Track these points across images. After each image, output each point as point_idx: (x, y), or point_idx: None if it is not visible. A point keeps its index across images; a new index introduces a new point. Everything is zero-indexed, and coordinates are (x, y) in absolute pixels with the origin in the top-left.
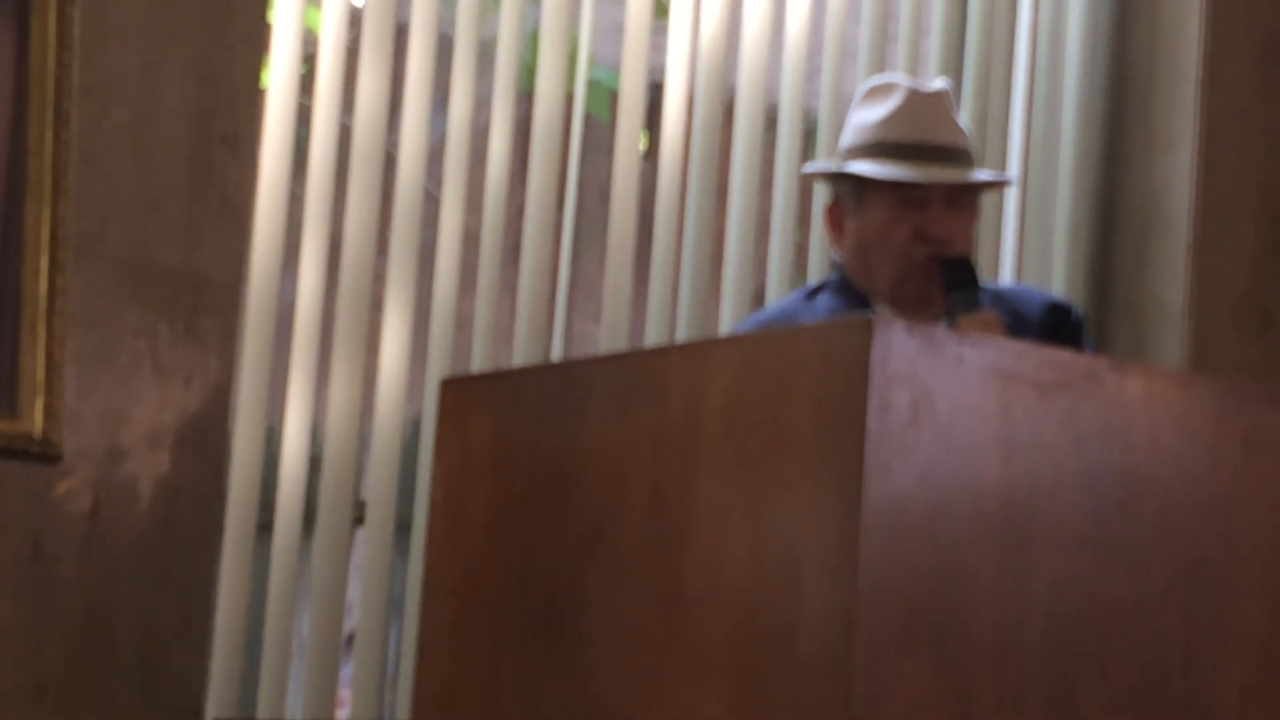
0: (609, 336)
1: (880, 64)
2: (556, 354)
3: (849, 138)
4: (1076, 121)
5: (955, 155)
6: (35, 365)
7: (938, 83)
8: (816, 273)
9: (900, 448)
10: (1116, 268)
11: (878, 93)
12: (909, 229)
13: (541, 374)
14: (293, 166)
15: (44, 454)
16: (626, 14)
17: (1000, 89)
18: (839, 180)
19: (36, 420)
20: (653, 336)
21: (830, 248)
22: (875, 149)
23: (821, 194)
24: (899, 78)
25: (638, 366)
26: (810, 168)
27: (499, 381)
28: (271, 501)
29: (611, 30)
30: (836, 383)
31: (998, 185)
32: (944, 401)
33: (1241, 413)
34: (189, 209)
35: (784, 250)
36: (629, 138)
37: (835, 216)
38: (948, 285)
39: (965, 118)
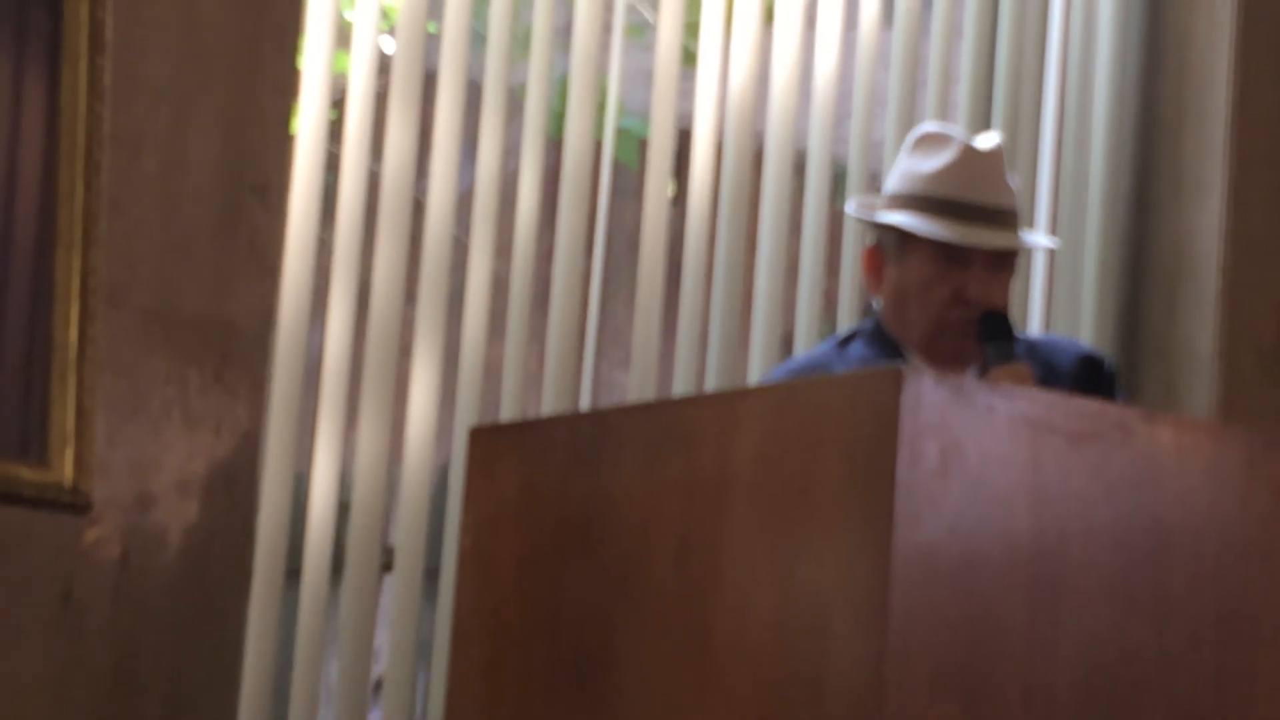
0: (637, 384)
1: (909, 111)
2: (585, 401)
3: (897, 184)
4: (1105, 168)
5: (1003, 218)
6: (65, 414)
7: (993, 139)
8: (846, 319)
9: (930, 498)
10: (1146, 315)
11: (931, 142)
12: (949, 288)
13: (570, 423)
14: (322, 214)
15: (74, 503)
16: (655, 61)
17: (1029, 135)
18: (882, 226)
19: (67, 469)
20: (681, 384)
21: (866, 292)
22: (923, 203)
23: (852, 241)
24: (954, 130)
25: (667, 416)
26: (855, 211)
27: (528, 430)
28: (300, 548)
29: (640, 77)
30: (866, 432)
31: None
32: (974, 451)
33: (1273, 462)
34: (218, 257)
35: (813, 297)
36: (658, 185)
37: (874, 261)
38: (983, 336)
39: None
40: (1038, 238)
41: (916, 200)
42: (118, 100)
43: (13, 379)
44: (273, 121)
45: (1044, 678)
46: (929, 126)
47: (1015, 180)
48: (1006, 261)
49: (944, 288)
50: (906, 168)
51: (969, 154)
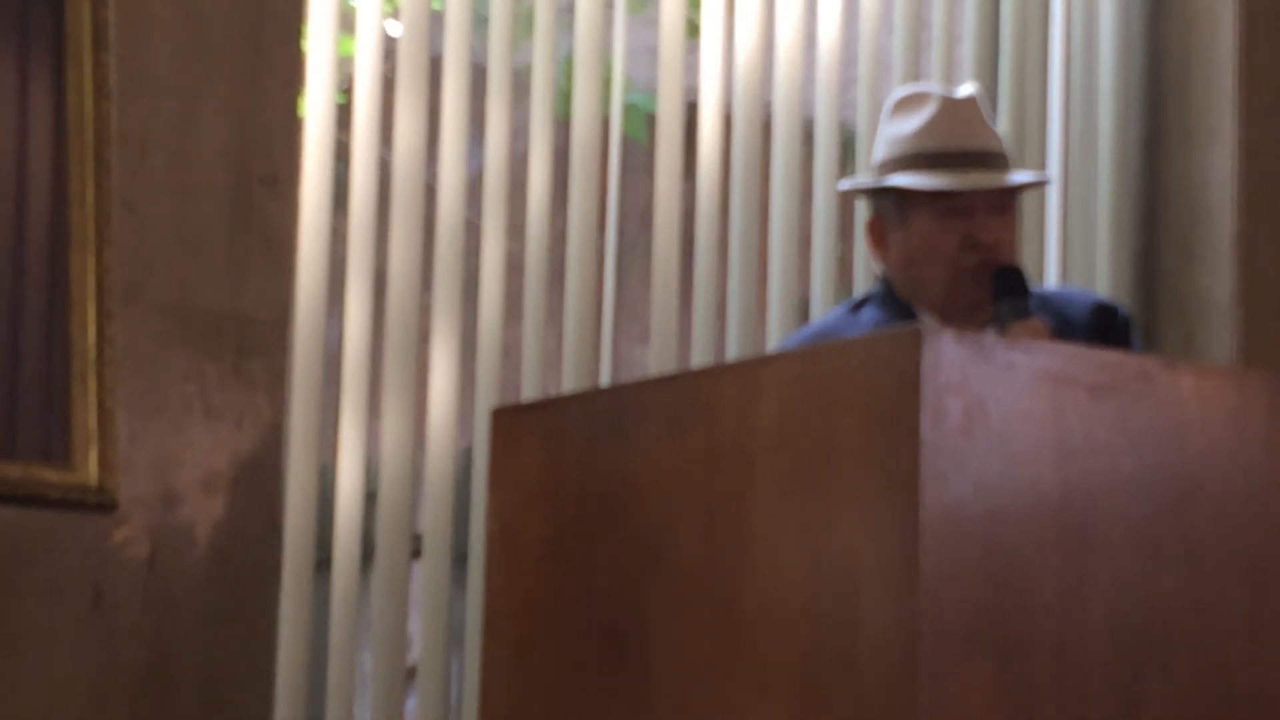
0: (657, 358)
1: (915, 73)
2: (605, 379)
3: (884, 150)
4: (1114, 119)
5: (994, 160)
6: (87, 415)
7: (968, 88)
8: (860, 284)
9: (954, 456)
10: (1162, 264)
11: (909, 103)
12: (957, 238)
13: (591, 399)
14: (333, 203)
15: (100, 503)
16: (660, 36)
17: (1036, 91)
18: (879, 195)
19: (91, 470)
20: (699, 356)
21: (873, 261)
22: (914, 160)
23: (863, 205)
24: (928, 87)
25: (687, 387)
26: (848, 184)
27: (549, 409)
28: (328, 539)
29: (645, 53)
30: (888, 394)
31: (1038, 185)
32: (996, 408)
33: None
34: (231, 250)
35: (827, 263)
36: (669, 159)
37: (877, 231)
38: (999, 293)
39: (1002, 120)
40: (1034, 175)
41: (907, 160)
42: (123, 98)
43: (33, 382)
44: (280, 111)
45: (1075, 631)
46: (903, 90)
47: (999, 123)
48: (1007, 204)
49: (951, 239)
50: (890, 133)
51: (948, 105)
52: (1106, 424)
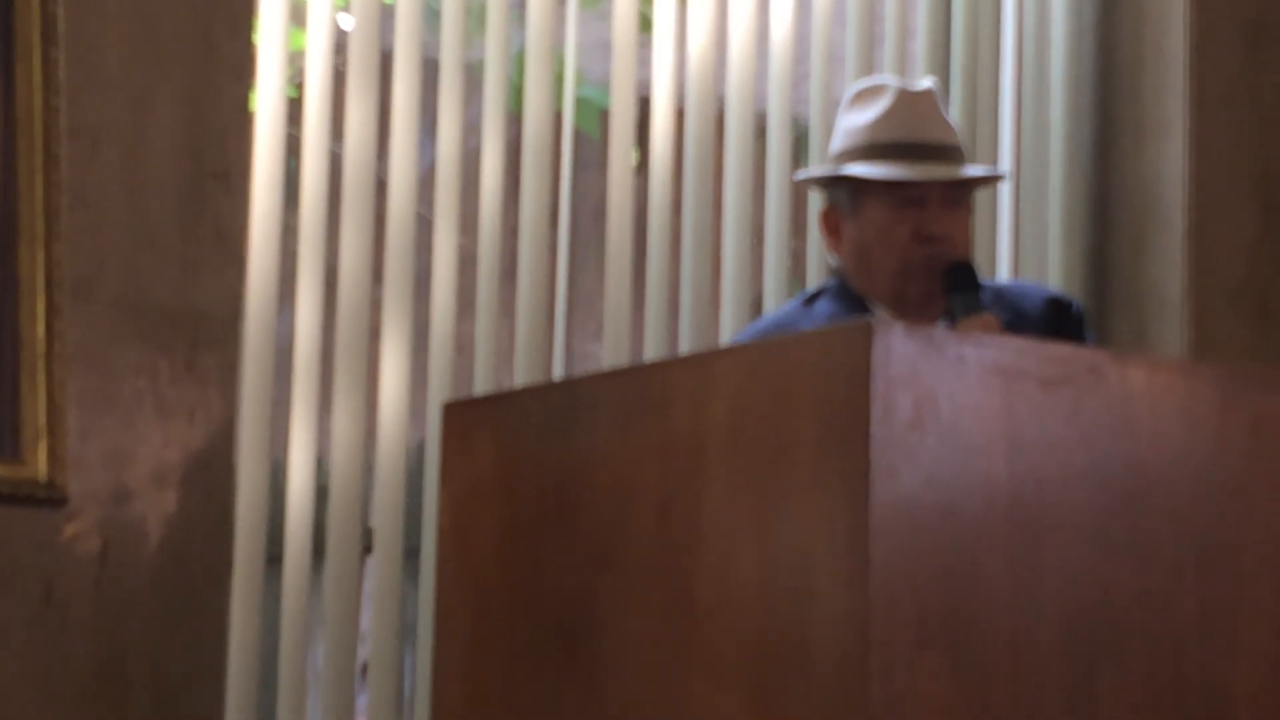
0: (610, 352)
1: (867, 67)
2: (558, 373)
3: (840, 141)
4: (1066, 115)
5: (948, 153)
6: (36, 410)
7: (925, 81)
8: (814, 278)
9: (905, 450)
10: (1113, 259)
11: (866, 95)
12: (909, 229)
13: (544, 393)
14: (284, 198)
15: (50, 498)
16: (612, 30)
17: (988, 86)
18: (834, 185)
19: (40, 465)
20: (652, 350)
21: (827, 253)
22: (869, 151)
23: (816, 200)
24: (886, 79)
25: (640, 381)
26: (803, 174)
27: (502, 403)
28: (280, 534)
29: (597, 47)
30: (839, 388)
31: (992, 180)
32: (947, 402)
33: (1246, 398)
34: (183, 245)
35: (780, 257)
36: (622, 154)
37: (831, 222)
38: (949, 288)
39: (954, 115)
40: (987, 169)
41: (861, 150)
42: (74, 93)
43: None
44: (231, 106)
45: (1027, 623)
46: (861, 83)
47: (953, 118)
48: (961, 197)
49: (903, 230)
50: (846, 124)
51: (904, 97)
52: (1058, 417)
